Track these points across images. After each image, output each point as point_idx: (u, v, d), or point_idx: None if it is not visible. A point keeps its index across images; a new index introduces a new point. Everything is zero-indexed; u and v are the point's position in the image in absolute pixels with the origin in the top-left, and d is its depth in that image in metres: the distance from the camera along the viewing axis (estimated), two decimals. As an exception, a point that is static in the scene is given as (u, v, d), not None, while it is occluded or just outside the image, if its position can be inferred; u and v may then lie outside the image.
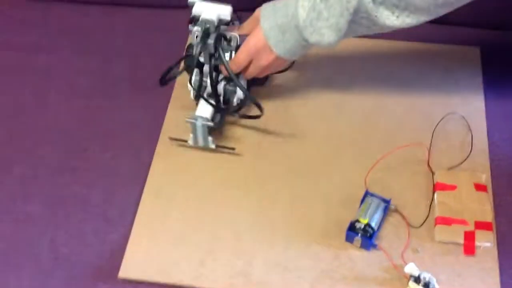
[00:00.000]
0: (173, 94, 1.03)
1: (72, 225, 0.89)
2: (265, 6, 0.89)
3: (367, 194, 0.88)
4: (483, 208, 0.87)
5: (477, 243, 0.84)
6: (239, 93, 0.95)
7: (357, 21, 0.82)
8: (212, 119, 0.93)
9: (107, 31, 1.14)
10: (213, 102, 0.94)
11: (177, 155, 0.96)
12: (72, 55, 1.10)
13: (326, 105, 1.01)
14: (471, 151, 0.94)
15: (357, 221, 0.84)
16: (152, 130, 0.99)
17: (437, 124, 0.97)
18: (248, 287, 0.82)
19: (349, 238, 0.85)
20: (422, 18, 0.81)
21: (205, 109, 0.93)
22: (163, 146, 0.97)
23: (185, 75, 0.98)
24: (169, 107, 1.01)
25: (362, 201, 0.87)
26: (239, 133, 0.98)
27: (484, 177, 0.90)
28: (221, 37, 0.90)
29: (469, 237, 0.84)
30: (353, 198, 0.89)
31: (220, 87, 0.95)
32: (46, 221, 0.89)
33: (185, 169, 0.94)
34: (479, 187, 0.89)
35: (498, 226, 0.86)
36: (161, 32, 1.12)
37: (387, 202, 0.87)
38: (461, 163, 0.92)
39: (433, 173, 0.91)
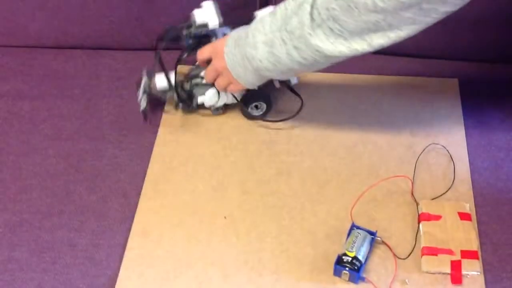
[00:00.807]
0: (158, 134, 1.04)
1: (60, 269, 0.88)
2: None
3: (353, 227, 0.89)
4: (468, 237, 0.87)
5: (464, 272, 0.84)
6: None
7: (292, 43, 0.83)
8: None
9: (91, 74, 1.15)
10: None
11: (163, 195, 0.96)
12: (57, 99, 1.11)
13: (310, 140, 1.02)
14: (454, 181, 0.95)
15: (344, 254, 0.85)
16: (138, 170, 0.99)
17: (420, 155, 0.98)
18: (238, 326, 0.82)
19: (337, 272, 0.85)
20: (355, 47, 0.80)
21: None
22: (149, 186, 0.97)
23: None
24: (154, 147, 1.02)
25: (349, 234, 0.88)
26: (225, 170, 0.99)
27: (468, 206, 0.91)
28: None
29: (456, 266, 0.84)
30: (339, 231, 0.89)
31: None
32: (33, 266, 0.88)
33: (172, 208, 0.94)
34: (464, 216, 0.90)
35: (484, 254, 0.87)
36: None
37: (373, 234, 0.88)
38: (445, 192, 0.94)
39: (417, 204, 0.92)
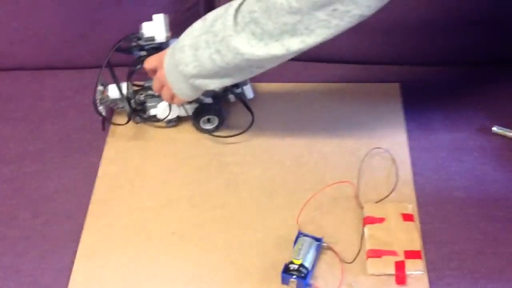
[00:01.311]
0: (103, 154, 1.04)
1: (5, 296, 0.87)
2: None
3: (299, 234, 0.90)
4: (411, 237, 0.89)
5: (407, 272, 0.86)
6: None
7: (215, 46, 0.84)
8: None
9: (35, 95, 1.14)
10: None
11: (110, 214, 0.96)
12: (0, 122, 1.09)
13: (257, 151, 1.03)
14: (396, 183, 0.97)
15: (291, 262, 0.85)
16: (85, 190, 0.99)
17: (363, 160, 1.00)
18: None
19: (285, 280, 0.85)
20: (273, 52, 0.80)
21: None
22: (95, 206, 0.97)
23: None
24: (100, 166, 1.02)
25: (295, 242, 0.89)
26: (173, 185, 0.99)
27: (411, 207, 0.93)
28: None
29: (400, 267, 0.86)
30: (287, 240, 0.90)
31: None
32: (-22, 294, 0.87)
33: (119, 228, 0.94)
34: (407, 217, 0.91)
35: (427, 254, 0.89)
36: (89, 92, 1.13)
37: (319, 240, 0.89)
38: (388, 195, 0.95)
39: (362, 208, 0.93)
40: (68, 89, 1.15)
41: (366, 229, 0.90)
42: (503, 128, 1.03)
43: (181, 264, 0.89)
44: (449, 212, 0.94)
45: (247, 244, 0.91)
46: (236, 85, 1.03)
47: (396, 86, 1.12)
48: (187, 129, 1.07)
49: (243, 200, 0.97)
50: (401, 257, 0.87)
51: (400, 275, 0.85)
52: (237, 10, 0.81)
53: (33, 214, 0.96)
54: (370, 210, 0.92)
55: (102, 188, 0.99)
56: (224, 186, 0.99)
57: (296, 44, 0.78)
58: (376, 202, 0.94)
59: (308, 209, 0.94)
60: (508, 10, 1.08)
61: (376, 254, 0.87)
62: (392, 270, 0.86)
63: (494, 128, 1.03)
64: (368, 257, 0.87)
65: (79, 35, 1.16)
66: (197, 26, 0.88)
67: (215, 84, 0.89)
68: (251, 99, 1.06)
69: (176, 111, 1.04)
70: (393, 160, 1.00)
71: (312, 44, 0.78)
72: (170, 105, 1.02)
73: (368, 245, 0.88)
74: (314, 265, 0.87)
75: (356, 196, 0.95)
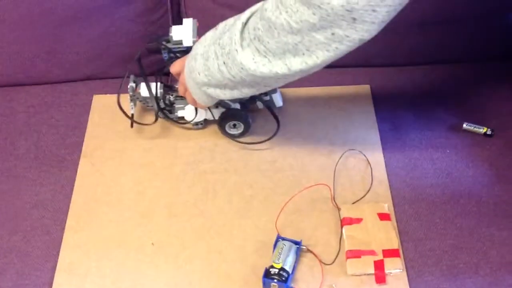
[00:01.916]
0: (79, 167, 1.03)
1: (-15, 315, 0.86)
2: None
3: (278, 238, 0.90)
4: (388, 236, 0.91)
5: (387, 271, 0.87)
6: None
7: (223, 58, 0.84)
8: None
9: (6, 112, 1.13)
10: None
11: (88, 227, 0.95)
12: (-27, 140, 1.08)
13: (233, 158, 1.04)
14: (372, 183, 0.98)
15: (272, 266, 0.86)
16: (61, 205, 0.98)
17: (338, 162, 1.01)
18: None
19: (266, 285, 0.86)
20: (275, 69, 0.81)
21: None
22: (73, 220, 0.96)
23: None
24: (76, 180, 1.01)
25: (275, 246, 0.89)
26: (150, 196, 0.99)
27: (387, 206, 0.95)
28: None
29: (379, 266, 0.87)
30: (267, 244, 0.91)
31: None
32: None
33: (97, 241, 0.93)
34: (383, 217, 0.93)
35: (405, 252, 0.90)
36: (61, 107, 1.13)
37: (298, 243, 0.90)
38: (364, 195, 0.97)
39: (339, 209, 0.94)
40: (40, 104, 1.14)
41: (344, 230, 0.91)
42: (473, 125, 1.05)
43: (162, 274, 0.89)
44: (425, 210, 0.96)
45: (227, 251, 0.92)
46: (265, 93, 1.03)
47: (367, 88, 1.14)
48: (162, 139, 1.07)
49: (222, 207, 0.97)
50: (379, 256, 0.88)
51: (380, 274, 0.87)
52: (244, 25, 0.81)
53: (9, 231, 0.95)
54: (347, 211, 0.94)
55: (79, 202, 0.98)
56: (201, 194, 0.99)
57: (298, 64, 0.79)
58: (353, 203, 0.96)
59: (286, 213, 0.95)
60: (474, 10, 1.10)
61: (355, 254, 0.88)
62: (371, 269, 0.87)
63: (465, 125, 1.06)
64: (348, 257, 0.88)
65: (46, 51, 1.15)
66: (209, 36, 0.89)
67: (226, 95, 0.89)
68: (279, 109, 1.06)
69: (203, 114, 1.05)
70: (368, 161, 1.01)
71: (312, 65, 0.78)
72: (196, 108, 1.03)
73: (347, 246, 0.90)
74: (294, 268, 0.88)
75: (333, 198, 0.96)
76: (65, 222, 0.96)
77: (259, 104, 1.05)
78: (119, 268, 0.90)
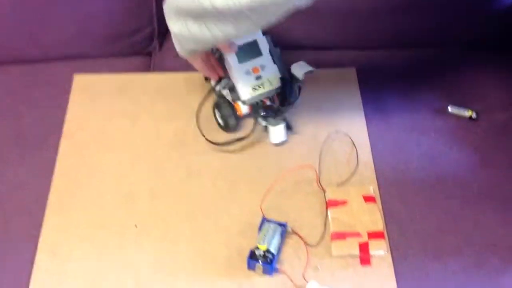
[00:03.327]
0: (60, 148, 1.01)
1: (-37, 297, 0.84)
2: None
3: (264, 220, 0.90)
4: (373, 218, 0.90)
5: (371, 253, 0.87)
6: None
7: None
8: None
9: (-15, 91, 1.10)
10: None
11: (70, 209, 0.93)
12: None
13: (218, 140, 1.02)
14: (357, 165, 0.98)
15: (257, 248, 0.85)
16: (42, 187, 0.96)
17: (323, 144, 1.01)
18: (155, 332, 0.81)
19: (251, 266, 0.86)
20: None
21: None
22: (54, 201, 0.94)
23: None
24: (57, 161, 0.99)
25: (260, 228, 0.89)
26: (134, 178, 0.97)
27: (372, 189, 0.94)
28: None
29: (364, 248, 0.87)
30: (252, 227, 0.90)
31: None
32: None
33: (80, 222, 0.92)
34: (368, 199, 0.93)
35: (390, 233, 0.90)
36: (41, 86, 1.10)
37: (283, 225, 0.89)
38: (349, 178, 0.96)
39: (324, 191, 0.94)
40: (19, 84, 1.12)
41: (329, 212, 0.91)
42: (458, 108, 1.05)
43: (146, 256, 0.88)
44: (409, 192, 0.96)
45: (212, 232, 0.91)
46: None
47: (352, 71, 1.13)
48: (144, 121, 1.05)
49: (206, 189, 0.96)
50: (364, 238, 0.88)
51: (364, 256, 0.87)
52: None
53: (-11, 213, 0.93)
54: (332, 193, 0.93)
55: (60, 183, 0.96)
56: (186, 176, 0.98)
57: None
58: (338, 185, 0.95)
59: (272, 195, 0.95)
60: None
61: (340, 236, 0.88)
62: (356, 251, 0.87)
63: (450, 108, 1.06)
64: (332, 239, 0.88)
65: (27, 31, 1.12)
66: None
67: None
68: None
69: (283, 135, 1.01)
70: (353, 143, 1.01)
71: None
72: (285, 129, 1.00)
73: (332, 228, 0.89)
74: (279, 250, 0.87)
75: (318, 180, 0.96)
76: (46, 203, 0.94)
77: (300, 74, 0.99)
78: (101, 250, 0.89)
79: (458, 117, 1.05)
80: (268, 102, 1.01)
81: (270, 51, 1.00)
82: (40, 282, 0.85)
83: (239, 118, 1.02)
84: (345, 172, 0.97)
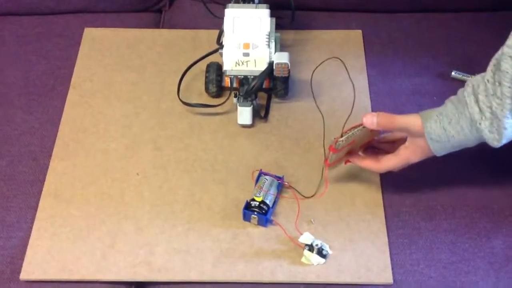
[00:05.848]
0: (68, 97, 1.04)
1: (-30, 234, 0.88)
2: (431, 126, 0.84)
3: (261, 173, 0.92)
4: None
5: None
6: None
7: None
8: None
9: (-3, 41, 1.13)
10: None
11: (75, 155, 0.96)
12: (-36, 66, 1.08)
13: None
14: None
15: (252, 199, 0.88)
16: (49, 133, 0.99)
17: (322, 105, 1.02)
18: (151, 275, 0.84)
19: (246, 217, 0.88)
20: None
21: None
22: (60, 147, 0.97)
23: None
24: (64, 109, 1.02)
25: (257, 181, 0.91)
26: (137, 129, 1.00)
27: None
28: None
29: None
30: (249, 179, 0.92)
31: None
32: None
33: (83, 169, 0.95)
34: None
35: (385, 191, 0.92)
36: (52, 38, 1.13)
37: (280, 179, 0.91)
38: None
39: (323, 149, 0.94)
40: (30, 35, 1.14)
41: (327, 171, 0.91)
42: (462, 73, 1.06)
43: (145, 203, 0.91)
44: (407, 153, 0.96)
45: (210, 184, 0.93)
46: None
47: (358, 33, 1.14)
48: (147, 76, 1.07)
49: (206, 142, 0.98)
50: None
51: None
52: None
53: (-3, 156, 0.96)
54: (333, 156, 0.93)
55: (67, 131, 0.99)
56: (188, 129, 1.00)
57: None
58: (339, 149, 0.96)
59: (271, 150, 0.97)
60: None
61: (335, 151, 0.87)
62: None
63: (453, 73, 1.06)
64: (331, 151, 0.86)
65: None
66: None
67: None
68: None
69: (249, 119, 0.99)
70: (353, 105, 1.01)
71: None
72: (251, 113, 0.98)
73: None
74: (275, 202, 0.89)
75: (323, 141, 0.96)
76: (52, 150, 0.97)
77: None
78: (103, 195, 0.92)
79: (461, 82, 1.05)
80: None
81: (268, 34, 0.99)
82: (43, 224, 0.88)
83: (223, 88, 1.02)
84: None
